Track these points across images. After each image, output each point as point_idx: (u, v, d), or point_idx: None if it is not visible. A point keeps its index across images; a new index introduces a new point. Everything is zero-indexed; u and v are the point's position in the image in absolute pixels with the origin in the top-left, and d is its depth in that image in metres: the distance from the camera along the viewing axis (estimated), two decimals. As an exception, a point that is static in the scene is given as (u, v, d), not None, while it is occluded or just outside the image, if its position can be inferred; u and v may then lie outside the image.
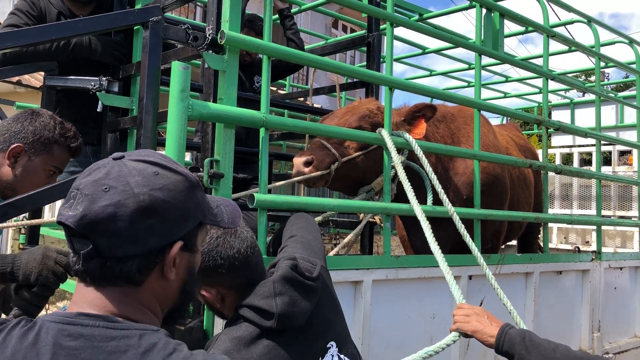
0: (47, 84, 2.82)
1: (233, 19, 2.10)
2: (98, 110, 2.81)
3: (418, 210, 2.28)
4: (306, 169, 2.68)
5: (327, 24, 17.20)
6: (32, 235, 2.87)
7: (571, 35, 10.95)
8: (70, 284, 3.42)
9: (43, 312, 2.96)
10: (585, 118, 7.18)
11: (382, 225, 3.68)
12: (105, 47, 2.85)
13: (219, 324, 2.00)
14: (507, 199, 3.66)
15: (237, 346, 1.46)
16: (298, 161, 2.71)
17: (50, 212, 5.92)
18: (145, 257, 1.02)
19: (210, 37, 2.06)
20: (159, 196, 1.01)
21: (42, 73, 2.94)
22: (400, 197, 2.75)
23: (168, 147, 1.89)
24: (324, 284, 1.71)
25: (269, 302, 1.51)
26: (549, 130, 3.79)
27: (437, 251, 2.13)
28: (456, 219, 2.43)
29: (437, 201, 2.71)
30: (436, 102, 3.96)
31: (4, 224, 1.82)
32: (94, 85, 2.70)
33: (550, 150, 7.69)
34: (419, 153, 2.65)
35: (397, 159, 2.52)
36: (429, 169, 2.61)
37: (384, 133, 2.62)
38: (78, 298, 1.03)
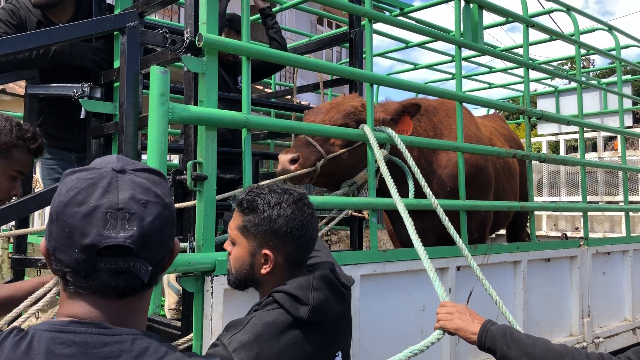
0: (29, 92, 2.82)
1: (210, 21, 2.11)
2: (82, 116, 2.81)
3: (400, 205, 2.31)
4: (292, 167, 2.70)
5: (312, 20, 17.19)
6: (19, 244, 2.87)
7: (556, 24, 11.03)
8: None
9: (34, 321, 2.95)
10: (570, 105, 7.24)
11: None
12: (85, 53, 2.85)
13: (207, 326, 2.02)
14: (491, 189, 3.70)
15: (269, 331, 1.52)
16: (284, 159, 2.73)
17: (40, 219, 5.91)
18: (164, 259, 1.08)
19: (188, 41, 2.07)
20: (172, 202, 1.09)
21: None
22: (385, 190, 2.78)
23: (150, 151, 1.90)
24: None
25: (305, 294, 1.59)
26: (531, 119, 3.82)
27: (419, 247, 2.16)
28: (440, 212, 2.45)
29: (420, 194, 2.74)
30: (419, 95, 3.98)
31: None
32: (77, 92, 2.70)
33: (536, 139, 7.76)
34: (402, 147, 2.68)
35: (379, 155, 2.54)
36: (411, 162, 2.63)
37: (367, 129, 2.64)
38: (74, 311, 1.02)
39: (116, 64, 2.83)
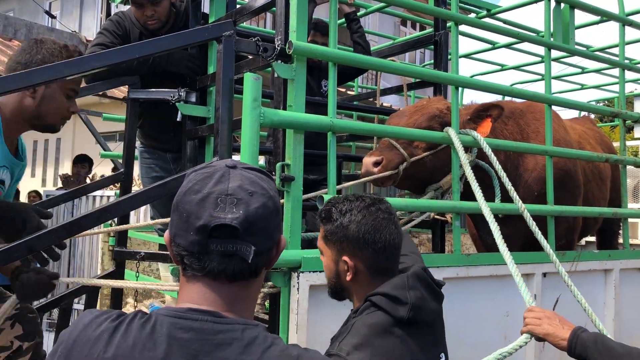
0: (131, 96, 3.03)
1: (300, 30, 2.20)
2: (178, 119, 2.99)
3: (485, 210, 2.30)
4: (375, 169, 2.75)
5: (395, 22, 17.13)
6: (120, 238, 3.10)
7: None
8: (149, 281, 3.65)
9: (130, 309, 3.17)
10: (672, 107, 6.81)
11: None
12: (181, 60, 3.04)
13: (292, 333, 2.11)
14: (580, 194, 3.57)
15: (374, 332, 1.55)
16: (367, 161, 2.78)
17: (135, 216, 6.29)
18: (270, 251, 1.16)
19: (279, 48, 2.17)
20: (278, 197, 1.19)
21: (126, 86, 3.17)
22: (469, 194, 2.77)
23: (243, 152, 2.01)
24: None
25: (402, 293, 1.60)
26: (626, 122, 3.66)
27: (505, 252, 2.14)
28: (527, 216, 2.42)
29: (507, 198, 2.70)
30: (506, 98, 3.91)
31: (99, 230, 2.01)
32: (174, 97, 2.88)
33: (632, 142, 7.36)
34: (488, 151, 2.65)
35: (464, 158, 2.54)
36: (497, 166, 2.61)
37: (451, 132, 2.64)
38: (190, 297, 1.12)
39: (210, 69, 3.00)
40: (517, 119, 3.48)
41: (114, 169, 7.30)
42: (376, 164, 2.76)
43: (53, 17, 13.41)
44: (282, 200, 2.20)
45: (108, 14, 3.73)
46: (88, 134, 6.37)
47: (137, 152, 3.50)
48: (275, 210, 1.16)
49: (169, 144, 3.38)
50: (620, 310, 3.40)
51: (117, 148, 7.64)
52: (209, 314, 1.08)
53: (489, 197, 2.85)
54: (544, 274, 3.02)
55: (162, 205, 3.35)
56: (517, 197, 2.49)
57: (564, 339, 1.78)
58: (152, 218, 3.65)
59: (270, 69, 2.32)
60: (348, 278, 1.69)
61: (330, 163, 2.29)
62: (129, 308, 3.93)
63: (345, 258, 1.68)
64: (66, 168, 10.58)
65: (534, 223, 2.40)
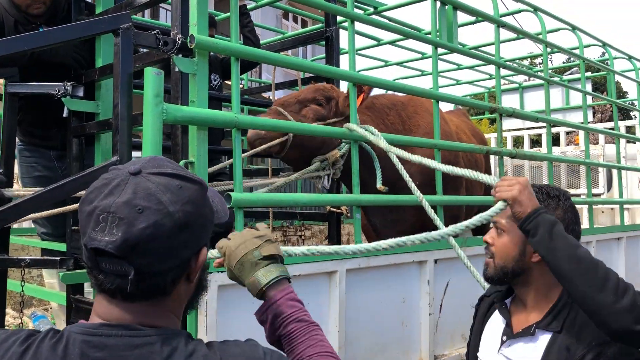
0: (9, 90, 2.77)
1: (201, 23, 2.14)
2: (64, 115, 2.79)
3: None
4: (263, 132, 2.74)
5: (277, 15, 17.15)
6: (1, 243, 2.83)
7: (518, 23, 11.30)
8: (33, 289, 3.39)
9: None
10: (533, 101, 7.47)
11: (348, 215, 3.80)
12: (66, 50, 2.83)
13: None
14: (462, 185, 3.82)
15: None
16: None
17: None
18: (178, 268, 1.04)
19: (180, 42, 2.09)
20: (188, 210, 1.02)
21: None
22: (345, 177, 2.95)
23: (145, 151, 1.93)
24: None
25: None
26: (502, 116, 3.95)
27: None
28: (426, 205, 2.54)
29: (393, 185, 2.95)
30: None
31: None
32: (59, 91, 2.68)
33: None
34: (384, 144, 2.74)
35: (386, 146, 2.64)
36: (396, 159, 2.70)
37: (353, 127, 2.71)
38: (102, 311, 1.03)
39: (98, 62, 2.82)
40: (398, 110, 3.64)
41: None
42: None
43: None
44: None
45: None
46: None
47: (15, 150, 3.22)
48: (176, 228, 1.00)
49: (52, 140, 3.14)
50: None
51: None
52: (123, 327, 1.00)
53: (373, 181, 2.98)
54: (436, 261, 3.20)
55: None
56: (415, 187, 2.60)
57: (524, 213, 1.64)
58: (35, 221, 3.38)
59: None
60: (535, 259, 1.66)
61: (236, 160, 2.26)
62: (8, 319, 3.61)
63: None
64: None
65: (433, 210, 2.54)
